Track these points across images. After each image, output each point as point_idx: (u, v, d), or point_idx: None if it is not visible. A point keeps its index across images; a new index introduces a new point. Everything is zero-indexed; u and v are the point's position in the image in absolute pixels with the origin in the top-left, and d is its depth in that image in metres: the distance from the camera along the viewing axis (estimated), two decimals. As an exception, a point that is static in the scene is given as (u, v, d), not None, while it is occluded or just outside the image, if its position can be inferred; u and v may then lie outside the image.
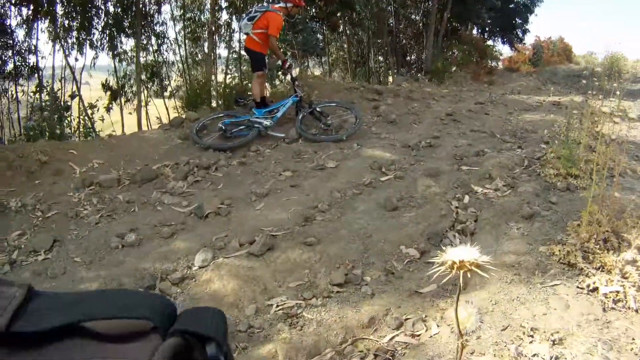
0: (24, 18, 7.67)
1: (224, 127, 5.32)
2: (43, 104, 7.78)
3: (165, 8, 10.18)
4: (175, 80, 10.27)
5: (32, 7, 7.48)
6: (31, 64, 7.99)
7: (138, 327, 0.35)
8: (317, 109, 5.72)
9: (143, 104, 8.67)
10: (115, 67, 8.93)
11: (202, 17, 9.94)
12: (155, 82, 9.59)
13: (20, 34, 7.88)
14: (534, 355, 1.90)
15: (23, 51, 7.92)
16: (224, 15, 9.87)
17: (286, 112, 5.71)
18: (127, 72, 9.25)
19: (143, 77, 9.06)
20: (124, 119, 8.90)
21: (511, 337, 2.03)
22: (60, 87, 8.42)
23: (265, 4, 6.15)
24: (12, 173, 4.23)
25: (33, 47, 7.98)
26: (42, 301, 0.35)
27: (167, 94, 9.81)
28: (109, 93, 8.84)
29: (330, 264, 2.78)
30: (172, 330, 0.34)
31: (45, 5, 7.57)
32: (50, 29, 7.97)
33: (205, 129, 5.53)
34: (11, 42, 7.70)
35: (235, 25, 9.99)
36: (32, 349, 0.32)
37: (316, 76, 9.12)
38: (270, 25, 5.42)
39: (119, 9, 8.40)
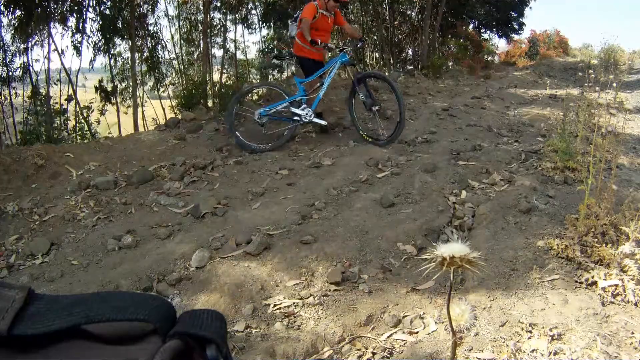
0: (17, 21, 7.64)
1: (261, 123, 5.00)
2: (38, 108, 7.76)
3: (160, 8, 10.12)
4: (171, 79, 10.26)
5: (25, 11, 7.45)
6: (25, 68, 7.96)
7: (138, 330, 0.35)
8: (366, 87, 5.00)
9: (139, 105, 8.66)
10: (110, 68, 8.91)
11: (197, 17, 9.93)
12: (153, 77, 9.55)
13: (12, 37, 7.83)
14: (533, 350, 1.89)
15: (16, 54, 7.89)
16: (218, 15, 9.87)
17: (329, 83, 5.09)
18: (123, 71, 9.23)
19: (139, 77, 9.05)
20: (121, 121, 8.88)
21: (510, 333, 2.02)
22: (56, 91, 8.41)
23: None
24: (8, 177, 4.21)
25: (26, 51, 7.95)
26: (42, 304, 0.35)
27: (163, 91, 9.80)
28: (102, 95, 8.82)
29: (327, 262, 2.77)
30: (172, 333, 0.35)
31: (39, 8, 7.54)
32: (45, 32, 7.95)
33: (239, 117, 5.20)
34: (2, 45, 7.66)
35: (229, 25, 9.99)
36: (33, 352, 0.33)
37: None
38: (302, 12, 4.99)
39: (115, 10, 8.38)
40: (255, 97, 7.16)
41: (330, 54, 5.36)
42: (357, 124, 5.06)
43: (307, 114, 4.94)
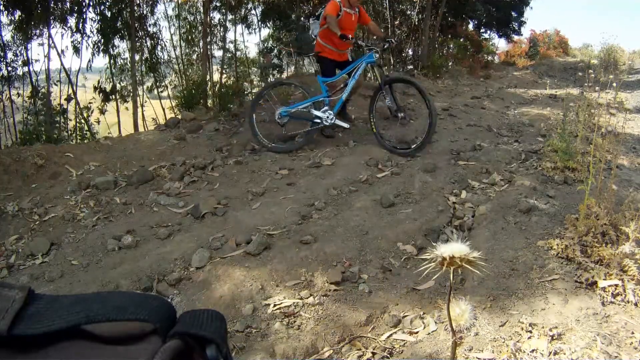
0: (17, 21, 7.64)
1: (281, 123, 4.92)
2: (38, 108, 7.76)
3: (160, 9, 10.11)
4: (171, 82, 10.25)
5: (25, 11, 7.45)
6: (25, 68, 7.96)
7: (138, 329, 0.35)
8: (392, 91, 4.66)
9: (139, 105, 8.66)
10: (111, 69, 8.91)
11: (196, 17, 9.93)
12: (153, 78, 9.55)
13: (12, 37, 7.83)
14: (533, 350, 1.89)
15: (16, 54, 7.89)
16: (217, 15, 9.88)
17: (354, 85, 4.82)
18: (123, 71, 9.23)
19: (138, 77, 9.05)
20: (121, 121, 8.88)
21: (509, 333, 2.03)
22: (55, 91, 8.41)
23: None
24: (8, 177, 4.22)
25: (26, 50, 7.96)
26: (42, 304, 0.35)
27: (162, 91, 9.80)
28: (101, 95, 8.81)
29: (327, 262, 2.77)
30: (172, 333, 0.35)
31: (39, 8, 7.54)
32: (45, 32, 7.95)
33: (259, 108, 5.04)
34: (2, 44, 7.66)
35: (228, 25, 9.99)
36: (33, 352, 0.33)
37: (312, 74, 9.10)
38: (325, 9, 4.77)
39: (115, 11, 8.38)
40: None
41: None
42: (375, 129, 4.83)
43: (328, 117, 4.77)
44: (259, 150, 4.91)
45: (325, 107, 4.82)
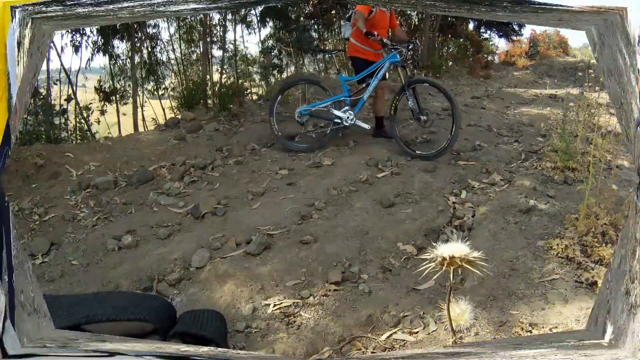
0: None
1: (301, 122, 4.85)
2: (38, 108, 7.75)
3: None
4: (171, 83, 10.23)
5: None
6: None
7: (138, 329, 0.35)
8: (414, 92, 4.53)
9: (139, 106, 8.65)
10: (110, 69, 8.90)
11: (196, 17, 9.92)
12: (153, 79, 9.54)
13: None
14: (533, 350, 1.90)
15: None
16: (217, 15, 9.86)
17: (377, 85, 4.66)
18: (123, 72, 9.22)
19: (139, 78, 9.04)
20: (121, 121, 8.87)
21: (509, 333, 2.03)
22: (55, 91, 8.40)
23: None
24: (8, 177, 4.21)
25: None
26: None
27: (162, 94, 9.78)
28: (101, 95, 8.81)
29: (327, 262, 2.77)
30: (172, 333, 0.35)
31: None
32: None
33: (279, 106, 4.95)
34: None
35: (228, 25, 9.98)
36: None
37: (311, 73, 9.11)
38: (357, 7, 4.66)
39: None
40: (255, 97, 7.15)
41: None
42: (396, 131, 4.67)
43: (348, 117, 4.67)
44: (259, 149, 4.91)
45: (346, 107, 4.73)
